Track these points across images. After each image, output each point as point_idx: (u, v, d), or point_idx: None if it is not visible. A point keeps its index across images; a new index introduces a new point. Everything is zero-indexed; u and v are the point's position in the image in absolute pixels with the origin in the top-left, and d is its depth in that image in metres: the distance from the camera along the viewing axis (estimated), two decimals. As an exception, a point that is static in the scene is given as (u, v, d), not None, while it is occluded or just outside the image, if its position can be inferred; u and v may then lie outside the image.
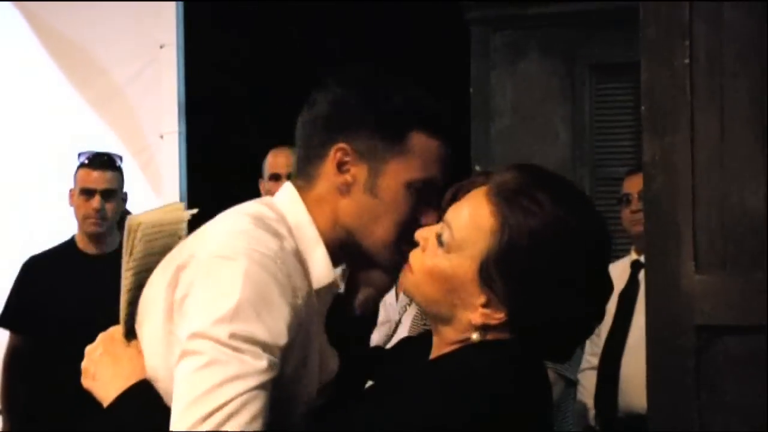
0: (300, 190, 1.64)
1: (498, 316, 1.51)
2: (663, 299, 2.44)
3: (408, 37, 5.85)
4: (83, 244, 3.90)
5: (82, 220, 3.85)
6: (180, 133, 5.00)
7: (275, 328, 1.45)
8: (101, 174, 3.85)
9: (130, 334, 1.64)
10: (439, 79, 5.84)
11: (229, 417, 1.38)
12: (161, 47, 5.11)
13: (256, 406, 1.40)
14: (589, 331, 1.61)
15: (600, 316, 1.58)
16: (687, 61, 2.42)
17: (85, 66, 5.14)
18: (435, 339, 1.59)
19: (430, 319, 1.59)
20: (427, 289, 1.55)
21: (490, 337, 1.52)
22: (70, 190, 3.91)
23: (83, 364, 1.66)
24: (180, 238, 1.69)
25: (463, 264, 1.52)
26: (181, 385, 1.42)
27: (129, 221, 1.63)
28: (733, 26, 2.41)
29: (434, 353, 1.59)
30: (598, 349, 3.89)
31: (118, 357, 1.61)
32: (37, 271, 3.88)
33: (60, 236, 4.00)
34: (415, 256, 1.58)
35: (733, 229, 2.42)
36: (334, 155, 1.60)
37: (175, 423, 1.40)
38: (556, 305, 1.49)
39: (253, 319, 1.42)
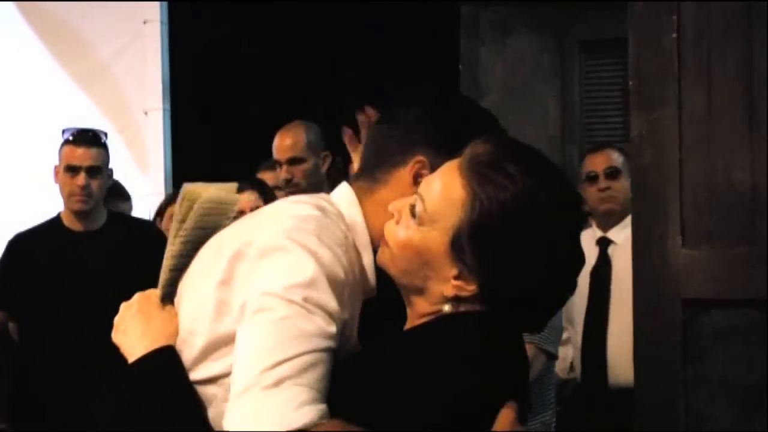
0: (360, 190, 1.71)
1: (470, 288, 1.53)
2: (650, 274, 2.47)
3: (397, 13, 5.84)
4: (69, 222, 3.91)
5: (68, 197, 3.86)
6: (164, 110, 5.01)
7: (341, 304, 1.52)
8: (86, 151, 3.84)
9: (167, 299, 1.69)
10: (428, 56, 5.88)
11: (300, 371, 1.43)
12: (145, 23, 5.13)
13: (324, 366, 1.46)
14: (561, 301, 1.63)
15: (572, 288, 1.60)
16: (675, 35, 2.45)
17: (69, 42, 5.17)
18: (408, 311, 1.61)
19: (403, 291, 1.61)
20: (400, 261, 1.58)
21: (462, 309, 1.55)
22: (55, 167, 3.91)
23: (116, 319, 1.70)
24: (229, 219, 1.74)
25: (436, 237, 1.54)
26: (253, 336, 1.46)
27: (186, 191, 1.71)
28: (720, 1, 2.43)
29: (408, 325, 1.61)
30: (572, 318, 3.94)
31: (152, 317, 1.66)
32: (23, 249, 3.89)
33: (46, 215, 4.01)
34: (389, 228, 1.61)
35: (719, 203, 2.44)
36: (413, 166, 1.68)
37: (246, 369, 1.44)
38: (528, 277, 1.52)
39: (324, 290, 1.50)
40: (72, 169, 3.84)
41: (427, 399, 1.45)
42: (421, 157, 1.68)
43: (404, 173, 1.68)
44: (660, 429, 2.47)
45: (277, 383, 1.41)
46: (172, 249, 1.70)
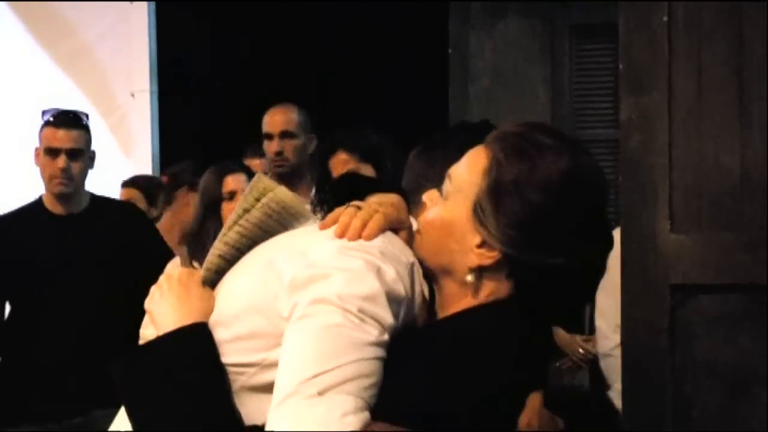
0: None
1: (492, 255, 1.54)
2: (638, 258, 2.48)
3: (386, -3, 5.84)
4: (51, 204, 3.86)
5: (48, 180, 3.81)
6: (152, 92, 4.97)
7: (396, 319, 1.50)
8: (67, 132, 3.79)
9: (207, 283, 1.69)
10: (417, 40, 5.89)
11: (347, 379, 1.43)
12: (131, 2, 5.07)
13: (372, 375, 1.45)
14: (590, 285, 1.62)
15: (600, 269, 1.59)
16: (665, 18, 2.45)
17: (53, 24, 5.11)
18: (438, 299, 1.62)
19: (433, 276, 1.61)
20: (429, 242, 1.60)
21: (486, 282, 1.55)
22: (36, 150, 3.86)
23: (153, 287, 1.71)
24: (287, 228, 1.73)
25: (459, 205, 1.57)
26: (301, 342, 1.46)
27: (260, 182, 1.72)
28: (711, -17, 2.43)
29: (440, 313, 1.62)
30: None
31: (190, 291, 1.66)
32: (4, 232, 3.85)
33: (28, 197, 3.97)
34: (421, 217, 1.64)
35: (708, 189, 2.45)
36: None
37: (292, 376, 1.44)
38: (551, 246, 1.52)
39: (383, 306, 1.48)
40: (52, 152, 3.79)
41: (461, 396, 1.47)
42: None
43: None
44: (648, 414, 2.48)
45: (322, 392, 1.41)
46: (227, 236, 1.71)
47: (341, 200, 1.66)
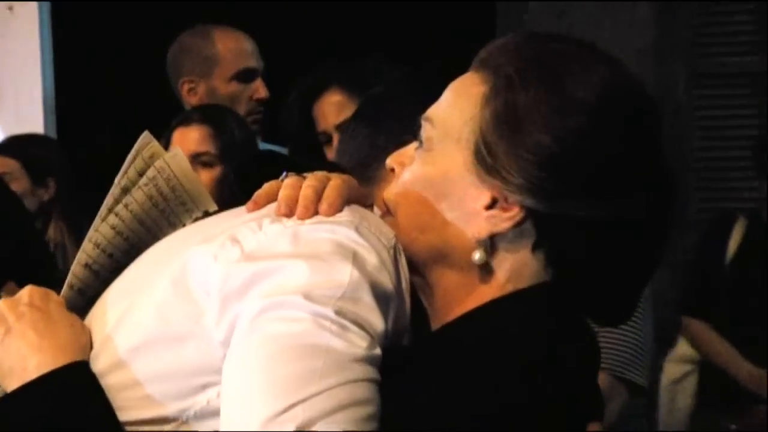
0: None
1: (509, 214, 1.25)
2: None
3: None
4: None
5: None
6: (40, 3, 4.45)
7: (387, 323, 1.22)
8: None
9: (71, 304, 1.35)
10: (465, 15, 4.94)
11: (333, 410, 1.12)
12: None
13: (370, 404, 1.15)
14: (650, 255, 1.31)
15: (660, 236, 1.30)
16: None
17: None
18: (429, 305, 1.32)
19: (420, 269, 1.31)
20: (409, 217, 1.31)
21: (503, 259, 1.27)
22: None
23: None
24: (171, 225, 1.42)
25: (451, 154, 1.29)
26: (258, 365, 1.14)
27: (148, 144, 1.40)
28: None
29: (434, 323, 1.32)
30: None
31: (52, 318, 1.30)
32: None
33: None
34: (389, 189, 1.36)
35: None
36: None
37: (250, 413, 1.12)
38: (594, 188, 1.24)
39: (367, 305, 1.20)
40: None
41: (477, 421, 1.19)
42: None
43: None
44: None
45: (303, 428, 1.10)
46: (98, 232, 1.37)
47: (250, 189, 1.33)
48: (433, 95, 1.38)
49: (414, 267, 1.30)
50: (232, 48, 3.48)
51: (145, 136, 1.42)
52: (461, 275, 1.30)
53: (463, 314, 1.28)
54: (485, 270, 1.27)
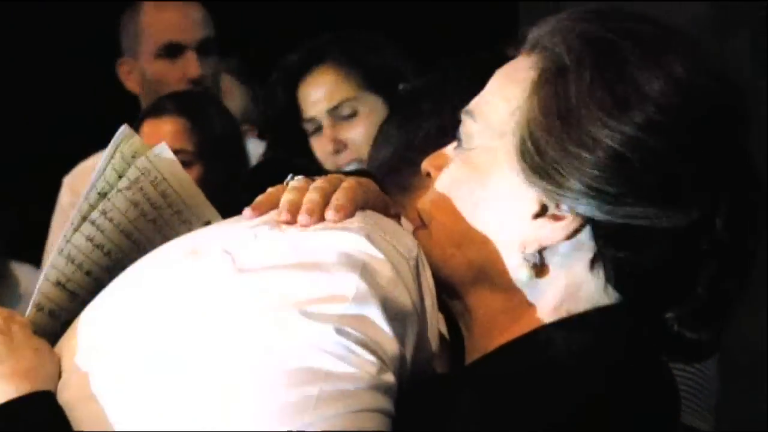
0: None
1: (563, 223, 1.12)
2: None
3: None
4: None
5: None
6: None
7: (402, 342, 1.10)
8: None
9: (38, 328, 1.25)
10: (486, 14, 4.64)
11: None
12: None
13: None
14: (734, 280, 1.14)
15: (747, 250, 1.13)
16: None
17: None
18: (466, 332, 1.20)
19: (453, 294, 1.19)
20: (446, 230, 1.19)
21: (555, 277, 1.14)
22: None
23: None
24: (163, 235, 1.28)
25: (494, 150, 1.17)
26: (246, 385, 1.04)
27: (128, 139, 1.23)
28: None
29: (470, 355, 1.19)
30: None
31: (16, 343, 1.19)
32: None
33: None
34: (425, 198, 1.24)
35: None
36: None
37: None
38: (666, 190, 1.09)
39: (377, 323, 1.08)
40: None
41: None
42: None
43: None
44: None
45: None
46: (67, 247, 1.23)
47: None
48: (479, 87, 1.23)
49: (450, 289, 1.18)
50: (153, 20, 3.07)
51: (124, 129, 1.26)
52: (505, 297, 1.16)
53: (506, 343, 1.15)
54: (534, 291, 1.15)
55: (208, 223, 1.31)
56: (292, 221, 1.14)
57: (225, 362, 1.06)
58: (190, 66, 3.00)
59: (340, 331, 1.05)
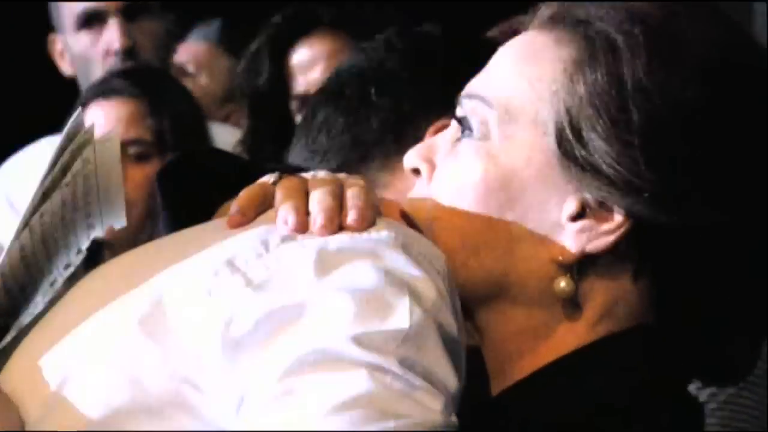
0: None
1: (610, 225, 1.02)
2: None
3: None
4: None
5: None
6: None
7: (458, 374, 0.98)
8: None
9: None
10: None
11: None
12: None
13: None
14: None
15: None
16: None
17: None
18: (486, 356, 1.09)
19: (470, 311, 1.07)
20: (455, 234, 1.07)
21: (595, 292, 1.03)
22: None
23: None
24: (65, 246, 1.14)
25: (523, 141, 1.05)
26: None
27: (80, 129, 1.08)
28: None
29: (496, 387, 1.08)
30: None
31: None
32: None
33: None
34: (413, 201, 1.12)
35: None
36: None
37: None
38: (730, 195, 1.01)
39: (435, 348, 0.96)
40: None
41: None
42: None
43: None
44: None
45: None
46: (8, 254, 1.09)
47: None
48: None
49: (462, 304, 1.04)
50: None
51: (78, 116, 1.12)
52: (528, 314, 1.06)
53: (537, 370, 1.05)
54: (566, 306, 1.04)
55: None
56: (302, 229, 1.00)
57: (262, 406, 0.93)
58: (114, 37, 2.64)
59: (404, 363, 0.92)
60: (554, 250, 1.04)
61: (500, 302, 1.08)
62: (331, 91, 1.42)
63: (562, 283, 1.04)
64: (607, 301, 1.05)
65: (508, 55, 1.12)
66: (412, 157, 1.16)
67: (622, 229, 1.02)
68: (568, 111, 1.04)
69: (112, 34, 2.64)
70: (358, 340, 0.92)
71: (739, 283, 1.07)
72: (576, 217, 1.04)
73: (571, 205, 1.04)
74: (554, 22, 1.10)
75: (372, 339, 0.93)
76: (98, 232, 1.13)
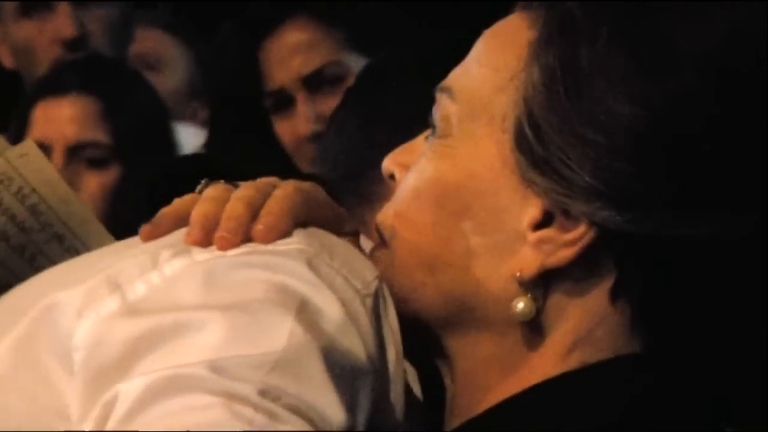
0: None
1: (574, 235, 0.92)
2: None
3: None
4: None
5: None
6: None
7: (354, 406, 0.92)
8: None
9: None
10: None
11: None
12: None
13: None
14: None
15: None
16: None
17: None
18: (450, 397, 1.01)
19: (433, 337, 1.00)
20: (411, 248, 1.00)
21: (561, 314, 0.94)
22: None
23: None
24: (28, 261, 1.16)
25: (480, 138, 0.98)
26: None
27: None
28: None
29: (458, 416, 0.99)
30: None
31: None
32: None
33: None
34: (388, 207, 1.04)
35: None
36: None
37: None
38: (712, 197, 0.91)
39: (316, 382, 0.90)
40: None
41: None
42: None
43: None
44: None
45: None
46: None
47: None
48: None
49: (423, 329, 1.00)
50: None
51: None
52: (494, 341, 0.98)
53: (500, 403, 0.96)
54: (534, 331, 0.96)
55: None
56: (205, 242, 0.96)
57: None
58: (63, 24, 2.47)
59: (264, 393, 0.86)
60: (514, 266, 0.95)
61: (465, 328, 1.00)
62: (354, 94, 1.41)
63: (520, 304, 0.95)
64: (580, 326, 0.95)
65: (482, 40, 1.04)
66: (388, 161, 1.10)
67: (586, 240, 0.93)
68: (526, 104, 0.95)
69: (60, 21, 2.48)
70: (216, 367, 0.86)
71: (734, 304, 0.96)
72: (538, 226, 0.95)
73: (533, 212, 0.95)
74: (529, 1, 1.01)
75: (235, 364, 0.87)
76: (83, 252, 1.11)
